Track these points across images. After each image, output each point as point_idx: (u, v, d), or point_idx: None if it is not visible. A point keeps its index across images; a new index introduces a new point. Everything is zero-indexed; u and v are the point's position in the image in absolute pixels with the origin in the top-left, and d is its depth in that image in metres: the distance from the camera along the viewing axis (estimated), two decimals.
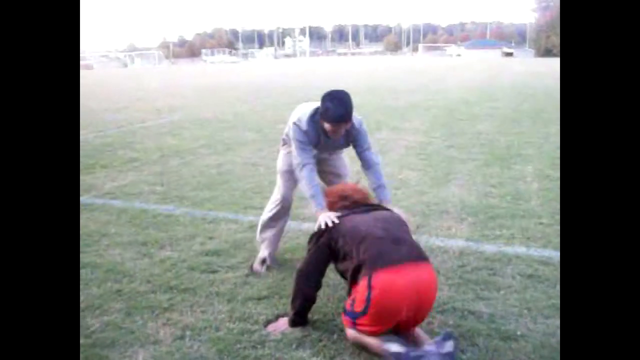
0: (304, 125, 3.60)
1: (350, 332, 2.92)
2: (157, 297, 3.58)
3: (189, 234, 4.73)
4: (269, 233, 4.13)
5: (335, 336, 3.07)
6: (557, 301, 3.42)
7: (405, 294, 2.71)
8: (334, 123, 3.44)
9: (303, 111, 3.67)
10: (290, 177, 3.94)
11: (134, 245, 4.51)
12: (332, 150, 3.93)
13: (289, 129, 3.78)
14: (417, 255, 2.88)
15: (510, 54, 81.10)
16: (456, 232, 4.70)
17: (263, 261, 4.05)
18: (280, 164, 4.07)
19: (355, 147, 3.77)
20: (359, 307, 2.80)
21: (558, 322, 3.18)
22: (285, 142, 4.01)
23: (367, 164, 3.75)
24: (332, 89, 3.54)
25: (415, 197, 5.80)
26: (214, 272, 3.97)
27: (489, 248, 4.33)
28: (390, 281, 2.72)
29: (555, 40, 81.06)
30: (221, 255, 4.26)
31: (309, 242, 3.23)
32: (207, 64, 68.88)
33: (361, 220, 3.06)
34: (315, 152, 3.72)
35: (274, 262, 4.09)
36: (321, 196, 3.49)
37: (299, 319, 3.19)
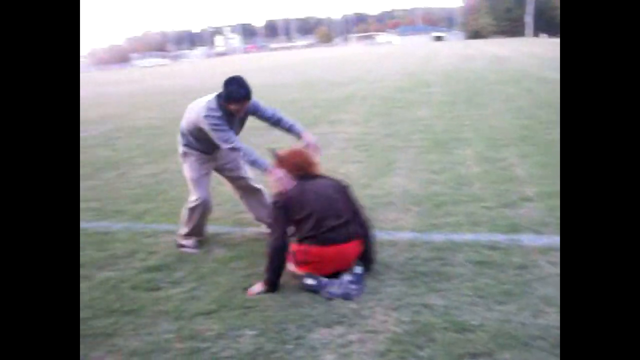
0: (216, 112, 4.05)
1: (291, 267, 3.69)
2: (100, 323, 3.37)
3: (129, 251, 4.52)
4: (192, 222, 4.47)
5: (289, 346, 2.96)
6: (510, 286, 3.41)
7: (332, 264, 3.60)
8: (240, 101, 4.02)
9: (205, 105, 4.10)
10: (203, 179, 4.44)
11: None
12: (238, 128, 4.32)
13: (188, 134, 4.32)
14: (347, 237, 3.60)
15: (440, 38, 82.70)
16: (403, 223, 4.66)
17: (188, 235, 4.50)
18: (190, 173, 4.44)
19: (257, 115, 4.34)
20: (299, 258, 3.63)
21: (512, 308, 3.17)
22: (187, 153, 4.43)
23: (274, 117, 4.34)
24: (231, 75, 4.07)
25: (359, 191, 5.68)
26: (157, 289, 3.79)
27: (437, 237, 4.30)
28: (322, 254, 3.57)
29: (483, 22, 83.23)
30: (164, 270, 4.08)
31: (273, 206, 3.74)
32: (137, 69, 67.32)
33: (310, 194, 3.67)
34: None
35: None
36: (263, 158, 4.05)
37: (276, 278, 3.60)
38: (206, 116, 4.03)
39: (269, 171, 3.93)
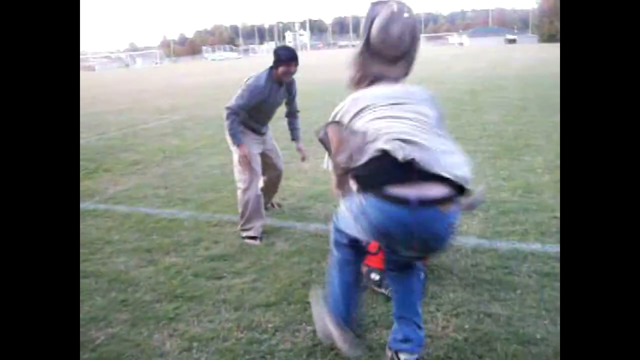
0: (262, 80, 4.51)
1: None
2: (162, 307, 3.48)
3: (194, 239, 4.63)
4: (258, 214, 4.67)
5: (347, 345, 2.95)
6: None
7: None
8: (288, 63, 4.48)
9: (257, 74, 4.57)
10: (256, 159, 4.70)
11: (139, 252, 4.41)
12: (275, 104, 4.74)
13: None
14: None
15: (513, 41, 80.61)
16: (468, 228, 4.57)
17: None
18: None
19: (289, 99, 4.89)
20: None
21: None
22: (242, 132, 4.63)
23: (293, 109, 5.01)
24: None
25: None
26: (220, 278, 3.86)
27: (503, 245, 4.21)
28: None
29: (558, 25, 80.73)
30: (227, 260, 4.16)
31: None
32: (208, 61, 68.73)
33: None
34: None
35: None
36: (240, 136, 4.52)
37: None
38: (248, 78, 4.61)
39: (240, 146, 4.52)
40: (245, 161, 4.54)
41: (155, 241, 4.63)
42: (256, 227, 4.60)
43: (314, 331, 3.08)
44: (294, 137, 5.11)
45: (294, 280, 3.75)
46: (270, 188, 5.23)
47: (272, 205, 5.46)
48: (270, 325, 3.19)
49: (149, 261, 4.22)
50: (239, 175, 4.66)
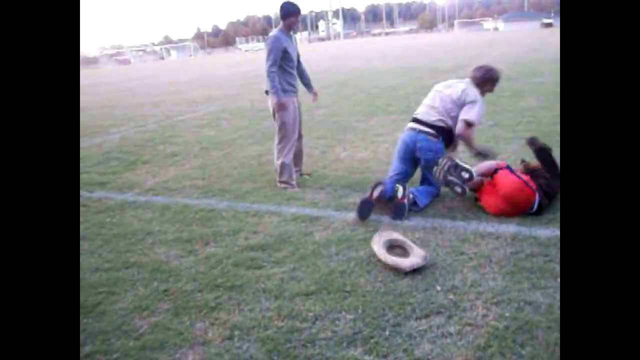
0: (276, 33, 5.57)
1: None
2: (204, 296, 3.54)
3: (233, 229, 4.69)
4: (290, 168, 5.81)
5: (387, 332, 2.97)
6: None
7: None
8: (296, 14, 5.60)
9: (270, 34, 5.68)
10: (295, 123, 5.78)
11: (179, 242, 4.49)
12: (295, 52, 5.75)
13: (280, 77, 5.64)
14: None
15: (549, 25, 78.90)
16: (507, 217, 4.53)
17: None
18: (289, 119, 5.72)
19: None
20: None
21: None
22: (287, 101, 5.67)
23: (302, 66, 6.04)
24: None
25: None
26: (259, 267, 3.91)
27: (543, 233, 4.15)
28: None
29: None
30: (266, 250, 4.20)
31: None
32: (242, 52, 69.05)
33: None
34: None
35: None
36: (281, 93, 5.58)
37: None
38: (268, 36, 5.64)
39: (282, 102, 5.57)
40: (284, 108, 5.60)
41: (195, 231, 4.70)
42: (291, 176, 5.79)
43: (354, 320, 3.11)
44: (309, 86, 6.18)
45: (333, 269, 3.77)
46: (297, 154, 6.04)
47: (302, 174, 6.16)
48: (310, 314, 3.22)
49: (189, 251, 4.29)
50: (278, 134, 5.77)
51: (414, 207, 4.83)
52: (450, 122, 4.98)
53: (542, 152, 4.85)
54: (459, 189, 4.64)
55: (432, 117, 5.04)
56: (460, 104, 4.96)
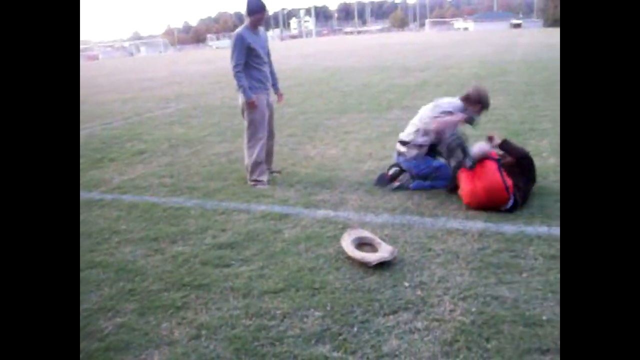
0: (240, 30, 5.52)
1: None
2: (170, 296, 3.49)
3: (201, 227, 4.64)
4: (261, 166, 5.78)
5: (355, 329, 2.97)
6: None
7: None
8: (260, 10, 5.48)
9: (235, 31, 5.62)
10: (263, 120, 5.72)
11: (146, 241, 4.43)
12: (262, 48, 5.66)
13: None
14: None
15: (518, 25, 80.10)
16: (474, 213, 4.56)
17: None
18: (257, 115, 5.68)
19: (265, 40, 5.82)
20: None
21: None
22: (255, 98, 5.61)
23: (270, 66, 5.90)
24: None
25: None
26: (227, 266, 3.88)
27: (509, 229, 4.20)
28: None
29: None
30: (234, 248, 4.17)
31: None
32: (213, 49, 68.57)
33: None
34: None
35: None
36: (249, 92, 5.52)
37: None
38: (234, 34, 5.56)
39: (250, 100, 5.53)
40: (254, 106, 5.57)
41: (162, 230, 4.65)
42: (263, 174, 5.76)
43: (323, 317, 3.10)
44: (275, 86, 6.03)
45: (302, 267, 3.76)
46: (268, 151, 5.94)
47: (272, 172, 6.09)
48: (278, 312, 3.20)
49: (156, 250, 4.24)
50: (247, 132, 5.73)
51: (405, 185, 5.34)
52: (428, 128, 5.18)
53: (524, 159, 4.92)
54: (468, 162, 4.76)
55: (410, 135, 5.35)
56: (437, 112, 5.17)
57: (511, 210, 4.52)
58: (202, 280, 3.67)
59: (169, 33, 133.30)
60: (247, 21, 5.57)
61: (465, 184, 4.70)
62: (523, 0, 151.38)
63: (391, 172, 5.42)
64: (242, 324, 3.10)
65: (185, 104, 13.63)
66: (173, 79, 22.66)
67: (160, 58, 54.43)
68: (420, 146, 5.28)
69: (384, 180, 5.42)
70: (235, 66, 5.50)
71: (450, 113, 5.10)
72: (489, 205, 4.55)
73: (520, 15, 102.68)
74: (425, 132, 5.19)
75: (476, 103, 5.24)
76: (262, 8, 5.51)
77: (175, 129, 9.90)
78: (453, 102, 5.25)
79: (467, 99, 5.24)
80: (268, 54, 5.83)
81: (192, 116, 11.42)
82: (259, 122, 5.68)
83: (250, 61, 5.56)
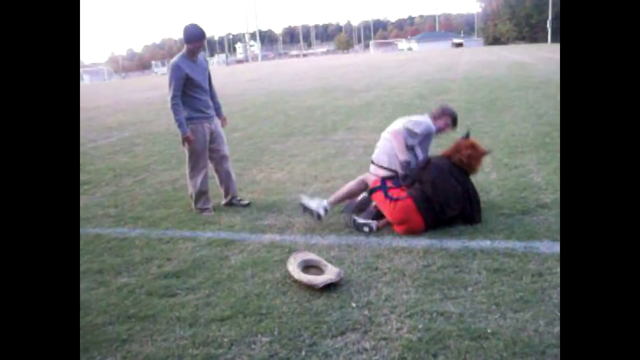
0: (176, 60, 5.32)
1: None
2: (115, 329, 3.41)
3: (146, 257, 4.56)
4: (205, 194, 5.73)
5: (303, 353, 2.97)
6: (526, 294, 3.39)
7: None
8: (199, 38, 5.29)
9: (171, 60, 5.39)
10: (204, 150, 5.61)
11: (89, 274, 4.32)
12: (201, 77, 5.47)
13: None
14: None
15: (460, 44, 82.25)
16: (419, 232, 4.64)
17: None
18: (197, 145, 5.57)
19: (206, 68, 5.61)
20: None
21: (527, 315, 3.14)
22: (193, 129, 5.48)
23: (212, 90, 5.74)
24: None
25: None
26: (173, 295, 3.82)
27: (453, 244, 4.28)
28: None
29: (502, 28, 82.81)
30: (180, 277, 4.11)
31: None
32: (158, 76, 67.87)
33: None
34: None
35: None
36: (185, 126, 5.35)
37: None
38: (170, 64, 5.39)
39: (185, 136, 5.40)
40: (189, 141, 5.45)
41: (106, 262, 4.55)
42: (207, 202, 5.71)
43: (271, 342, 3.09)
44: (218, 112, 5.84)
45: (249, 292, 3.73)
46: (224, 176, 5.84)
47: (240, 201, 5.91)
48: (225, 340, 3.17)
49: (100, 282, 4.14)
50: (188, 162, 5.65)
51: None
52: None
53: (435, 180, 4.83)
54: (366, 229, 4.78)
55: (374, 157, 5.25)
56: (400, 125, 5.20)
57: (447, 221, 4.63)
58: (148, 311, 3.60)
59: (113, 60, 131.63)
60: (184, 49, 5.37)
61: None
62: (464, 20, 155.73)
63: (360, 197, 5.26)
64: (188, 354, 3.05)
65: (129, 132, 13.43)
66: (117, 107, 22.30)
67: (104, 86, 53.45)
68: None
69: (351, 209, 5.24)
70: (172, 98, 5.30)
71: (414, 133, 5.11)
72: (417, 224, 4.62)
73: (462, 35, 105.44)
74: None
75: (441, 116, 5.35)
76: (201, 36, 5.32)
77: (119, 158, 9.73)
78: (420, 119, 5.25)
79: (432, 116, 5.35)
80: (209, 80, 5.67)
81: (136, 144, 11.24)
82: (199, 153, 5.58)
83: (188, 91, 5.37)
